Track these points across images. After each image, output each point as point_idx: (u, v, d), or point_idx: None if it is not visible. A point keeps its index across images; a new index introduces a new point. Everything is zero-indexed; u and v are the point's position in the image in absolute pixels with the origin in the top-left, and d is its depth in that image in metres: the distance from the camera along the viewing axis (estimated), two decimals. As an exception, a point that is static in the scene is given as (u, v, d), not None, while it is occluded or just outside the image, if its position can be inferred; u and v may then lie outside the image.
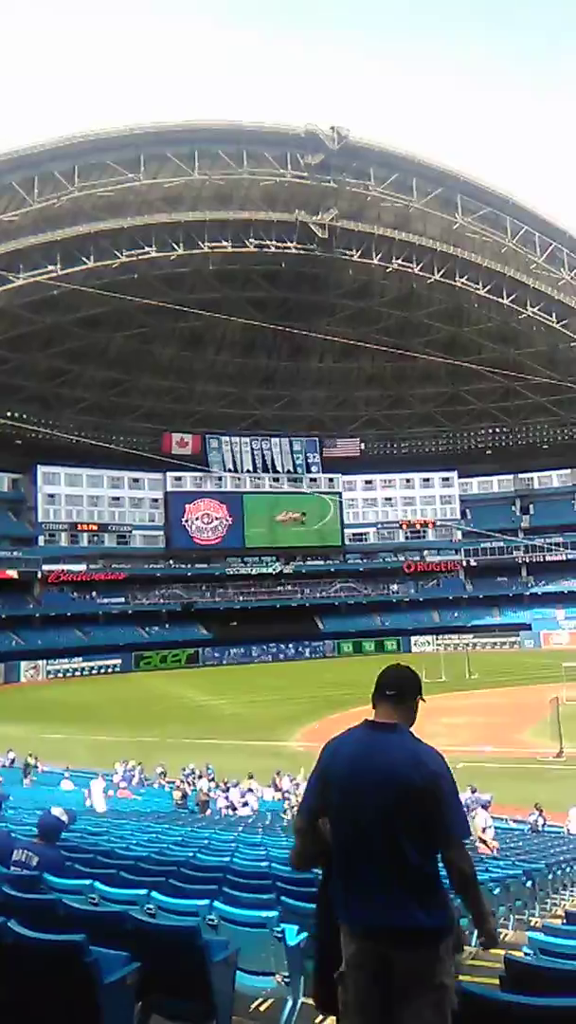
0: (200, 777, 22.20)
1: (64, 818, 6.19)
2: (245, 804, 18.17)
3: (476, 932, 3.37)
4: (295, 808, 18.63)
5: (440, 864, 2.86)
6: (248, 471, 78.05)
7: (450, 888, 2.94)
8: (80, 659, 64.94)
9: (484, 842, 13.60)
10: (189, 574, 75.99)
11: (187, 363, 72.28)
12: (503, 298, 59.11)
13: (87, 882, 5.36)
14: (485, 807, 14.89)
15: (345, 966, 2.86)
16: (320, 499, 76.56)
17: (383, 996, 2.76)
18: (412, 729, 2.98)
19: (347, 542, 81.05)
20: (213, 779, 22.19)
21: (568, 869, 12.37)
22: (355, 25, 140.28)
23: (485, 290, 58.95)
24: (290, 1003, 4.82)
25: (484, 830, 13.93)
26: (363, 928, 2.82)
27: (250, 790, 20.07)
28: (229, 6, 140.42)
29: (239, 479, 77.73)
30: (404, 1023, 2.73)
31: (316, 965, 3.27)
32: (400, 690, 3.01)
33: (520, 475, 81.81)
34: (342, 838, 2.89)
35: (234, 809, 18.68)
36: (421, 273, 58.45)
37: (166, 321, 63.88)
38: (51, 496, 71.28)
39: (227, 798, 19.33)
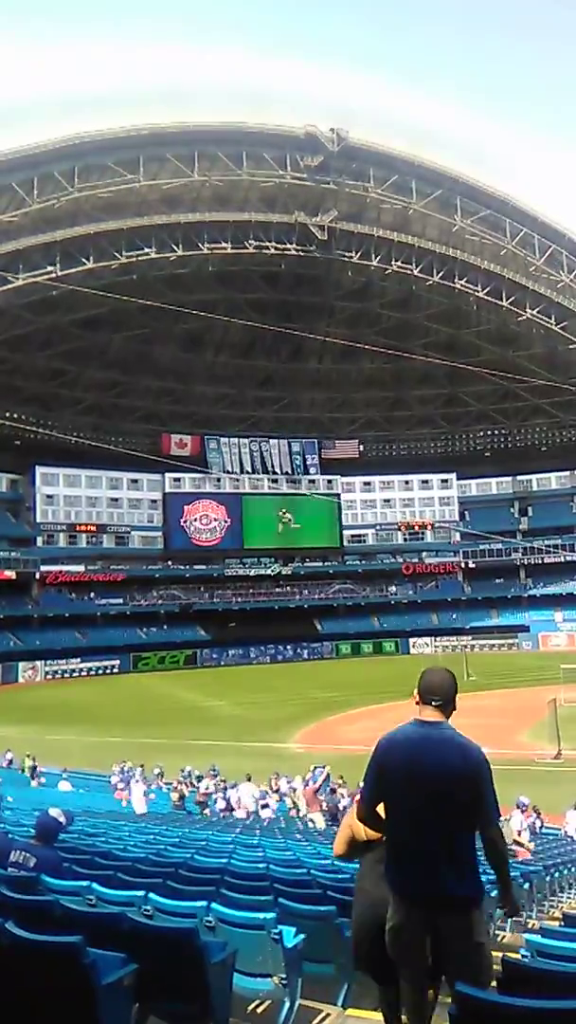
0: (202, 778, 22.12)
1: (62, 819, 6.18)
2: (265, 806, 18.11)
3: (501, 903, 3.89)
4: (294, 809, 18.66)
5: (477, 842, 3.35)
6: (247, 472, 78.05)
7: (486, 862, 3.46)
8: (78, 660, 64.91)
9: (520, 844, 13.46)
10: (187, 575, 75.96)
11: (186, 364, 72.29)
12: (502, 300, 59.15)
13: (85, 883, 5.35)
14: (522, 809, 14.77)
15: (396, 929, 3.38)
16: (318, 500, 76.54)
17: (430, 953, 3.30)
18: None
19: (346, 544, 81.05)
20: (216, 778, 22.08)
21: (565, 871, 12.37)
22: (355, 26, 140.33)
23: (484, 292, 59.00)
24: (287, 1005, 4.81)
25: (519, 832, 13.79)
26: (413, 896, 3.31)
27: (268, 792, 19.91)
28: (229, 8, 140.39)
29: (238, 480, 77.74)
30: (450, 975, 3.23)
31: (359, 942, 3.85)
32: (445, 697, 3.51)
33: (519, 477, 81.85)
34: (398, 820, 3.35)
35: (232, 810, 18.65)
36: (420, 275, 58.49)
37: (165, 322, 63.88)
38: (49, 497, 71.25)
39: (226, 799, 19.29)
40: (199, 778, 23.27)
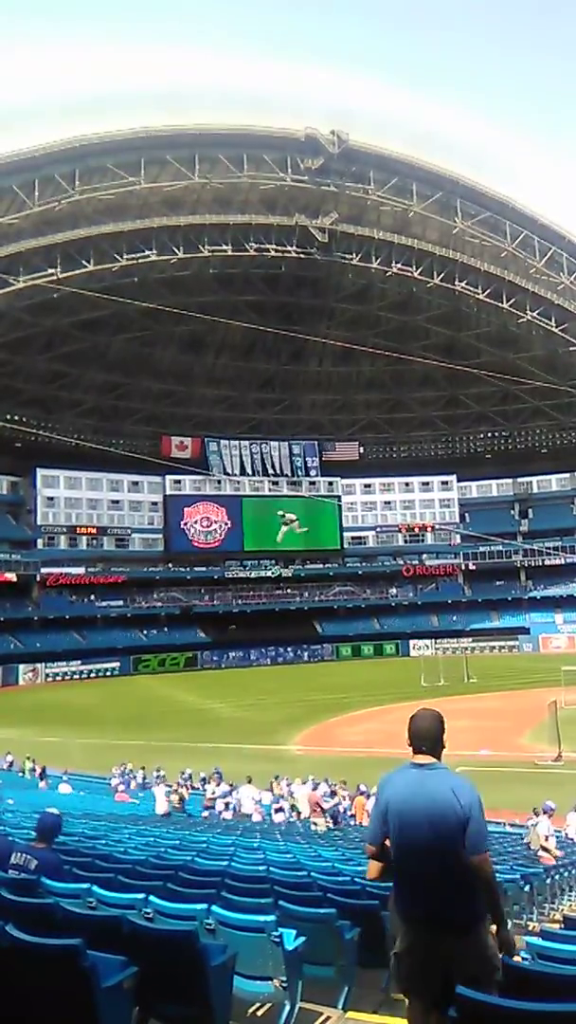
0: (207, 780, 22.00)
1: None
2: (279, 810, 18.03)
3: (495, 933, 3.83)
4: (293, 810, 18.63)
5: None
6: (247, 475, 78.07)
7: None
8: (78, 662, 64.89)
9: (547, 850, 13.34)
10: (188, 577, 75.95)
11: (187, 366, 72.35)
12: (502, 302, 59.18)
13: (85, 886, 5.34)
14: (549, 813, 14.72)
15: (401, 955, 3.69)
16: (319, 502, 76.57)
17: (436, 972, 3.53)
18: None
19: (346, 546, 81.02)
20: (222, 782, 21.97)
21: (566, 874, 12.36)
22: (355, 27, 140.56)
23: (484, 294, 59.05)
24: (288, 1007, 4.81)
25: (547, 838, 13.72)
26: (417, 919, 3.63)
27: (282, 796, 19.78)
28: (229, 10, 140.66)
29: (238, 482, 77.74)
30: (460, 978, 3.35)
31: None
32: (432, 743, 3.81)
33: (519, 479, 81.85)
34: (402, 852, 3.69)
35: (231, 811, 18.62)
36: (420, 277, 58.54)
37: (166, 324, 63.95)
38: (50, 499, 71.27)
39: (234, 808, 19.23)
40: (203, 780, 23.25)
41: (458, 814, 3.53)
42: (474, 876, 3.57)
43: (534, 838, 14.10)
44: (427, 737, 3.80)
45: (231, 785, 20.99)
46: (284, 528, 78.37)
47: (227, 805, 18.99)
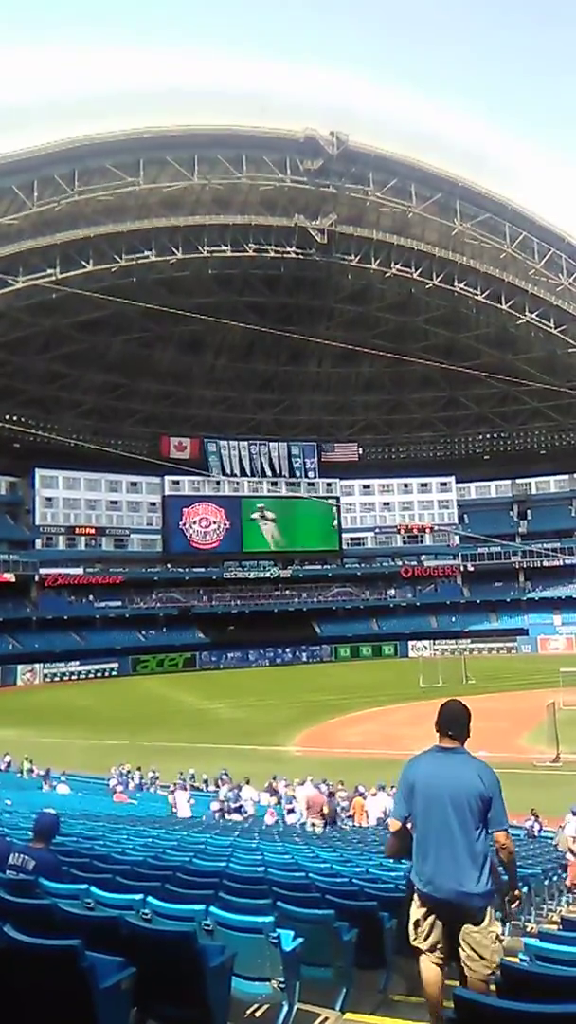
0: (221, 783, 21.86)
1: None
2: (291, 811, 17.98)
3: (507, 898, 4.54)
4: (292, 811, 18.63)
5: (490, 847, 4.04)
6: (246, 475, 78.07)
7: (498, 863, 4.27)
8: (77, 663, 64.87)
9: (574, 852, 13.26)
10: (187, 578, 75.94)
11: (186, 367, 72.35)
12: (501, 303, 59.20)
13: (83, 887, 5.33)
14: None
15: (417, 922, 4.17)
16: (317, 503, 76.56)
17: (449, 939, 4.03)
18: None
19: (345, 547, 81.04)
20: (228, 784, 21.93)
21: (564, 875, 12.35)
22: (355, 28, 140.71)
23: (483, 295, 59.07)
24: (286, 1009, 4.80)
25: (574, 839, 13.65)
26: (435, 888, 3.99)
27: (293, 797, 19.69)
28: (229, 11, 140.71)
29: (237, 483, 77.75)
30: (462, 966, 3.99)
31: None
32: (459, 729, 4.15)
33: (518, 480, 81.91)
34: (425, 830, 4.04)
35: (229, 812, 18.61)
36: (420, 278, 58.54)
37: (165, 325, 63.95)
38: (49, 499, 71.25)
39: (237, 805, 19.22)
40: (206, 781, 23.26)
41: (483, 794, 3.91)
42: (498, 850, 4.07)
43: (563, 840, 14.06)
44: (455, 722, 4.14)
45: (239, 786, 20.99)
46: (267, 526, 78.01)
47: (239, 808, 18.96)
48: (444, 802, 3.92)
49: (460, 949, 4.02)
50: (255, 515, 77.89)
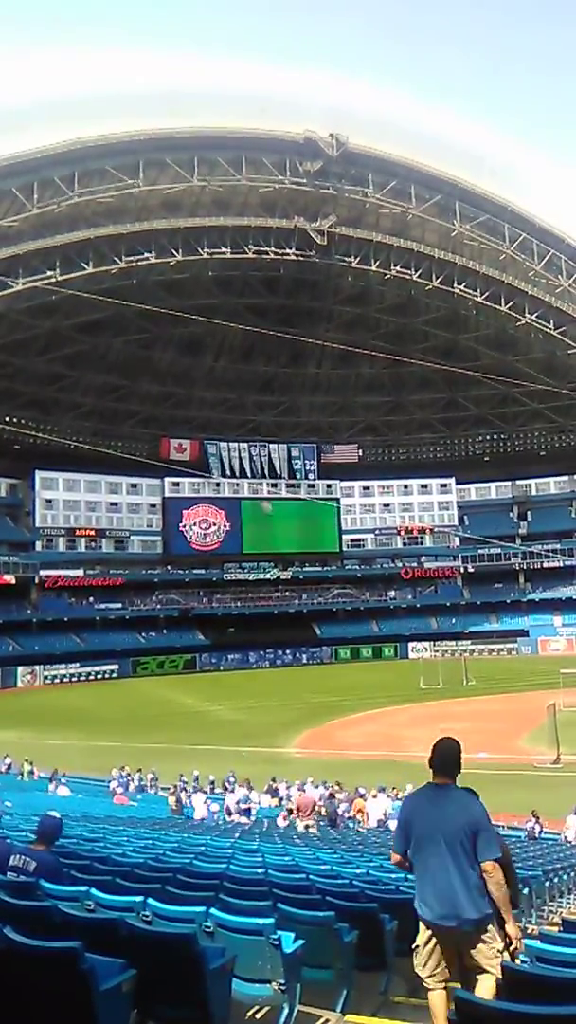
0: (234, 787, 21.70)
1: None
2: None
3: (505, 944, 4.41)
4: (292, 812, 18.62)
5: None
6: (246, 477, 78.08)
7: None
8: (77, 664, 64.83)
9: None
10: (186, 580, 75.91)
11: (186, 369, 72.36)
12: (501, 305, 59.23)
13: (83, 888, 5.33)
14: None
15: (420, 945, 4.40)
16: (318, 504, 76.54)
17: (449, 959, 4.30)
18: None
19: (345, 548, 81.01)
20: (233, 785, 21.81)
21: (565, 876, 12.34)
22: (354, 30, 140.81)
23: (483, 297, 59.10)
24: (286, 1010, 4.80)
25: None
26: (436, 916, 4.25)
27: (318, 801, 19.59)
28: (229, 13, 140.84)
29: (237, 485, 77.75)
30: (468, 974, 4.24)
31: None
32: (450, 767, 4.46)
33: (518, 481, 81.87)
34: (423, 862, 4.33)
35: (230, 813, 18.60)
36: (419, 280, 58.57)
37: (165, 327, 63.96)
38: (49, 501, 71.23)
39: (247, 807, 19.19)
40: (212, 783, 23.21)
41: (471, 828, 4.21)
42: (486, 877, 4.21)
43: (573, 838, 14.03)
44: (447, 761, 4.45)
45: (249, 788, 20.91)
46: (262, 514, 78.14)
47: (248, 811, 18.92)
48: (438, 838, 4.24)
49: (466, 963, 4.29)
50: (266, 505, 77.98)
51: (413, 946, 4.45)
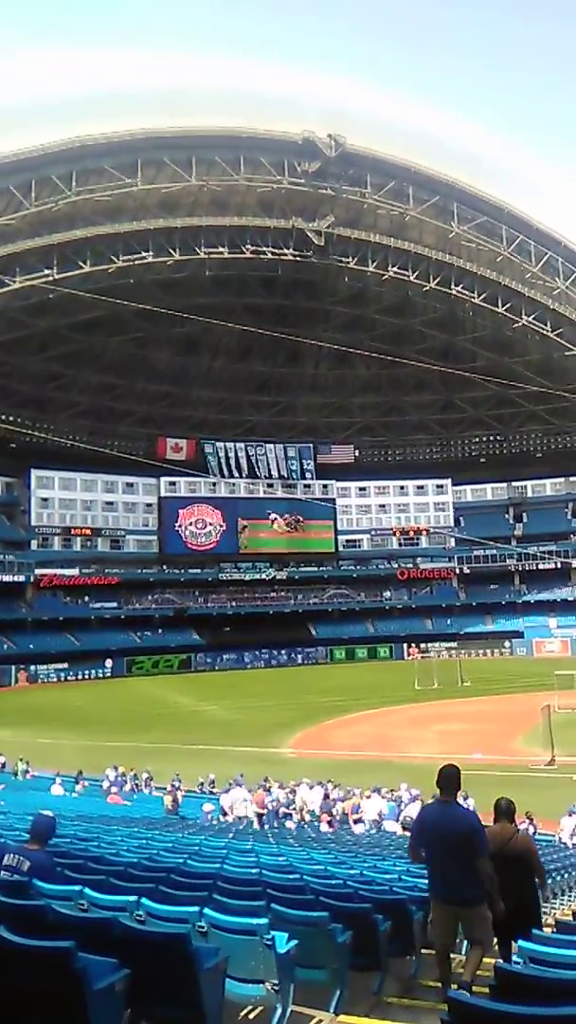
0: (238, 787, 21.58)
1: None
2: (359, 821, 17.81)
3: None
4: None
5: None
6: (243, 477, 78.05)
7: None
8: (72, 664, 64.70)
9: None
10: (182, 579, 75.85)
11: (182, 368, 72.30)
12: (498, 307, 59.31)
13: (77, 888, 5.32)
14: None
15: (432, 920, 6.06)
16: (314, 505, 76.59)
17: (453, 931, 5.85)
18: None
19: (340, 548, 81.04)
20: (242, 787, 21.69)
21: (559, 878, 12.36)
22: (353, 31, 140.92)
23: (480, 298, 59.19)
24: (279, 1010, 4.80)
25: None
26: (442, 898, 5.75)
27: (359, 807, 19.30)
28: (228, 13, 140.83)
29: (233, 485, 77.72)
30: (468, 935, 5.85)
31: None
32: (452, 788, 5.83)
33: (514, 483, 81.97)
34: (432, 856, 5.77)
35: (225, 814, 18.59)
36: (416, 281, 58.63)
37: (162, 326, 63.91)
38: (45, 500, 71.12)
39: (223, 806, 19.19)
40: (211, 783, 23.15)
41: (468, 834, 5.55)
42: (478, 872, 5.52)
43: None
44: (449, 784, 5.79)
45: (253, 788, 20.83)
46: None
47: (288, 815, 18.86)
48: (444, 842, 5.60)
49: (461, 925, 5.81)
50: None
51: (429, 919, 6.17)
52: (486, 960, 5.90)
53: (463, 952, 6.31)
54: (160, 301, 55.81)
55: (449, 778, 5.80)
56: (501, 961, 4.85)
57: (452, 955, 6.01)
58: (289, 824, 18.13)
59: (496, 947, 6.03)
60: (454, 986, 5.15)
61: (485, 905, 5.56)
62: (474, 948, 5.69)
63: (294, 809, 19.56)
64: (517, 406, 76.80)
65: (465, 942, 6.17)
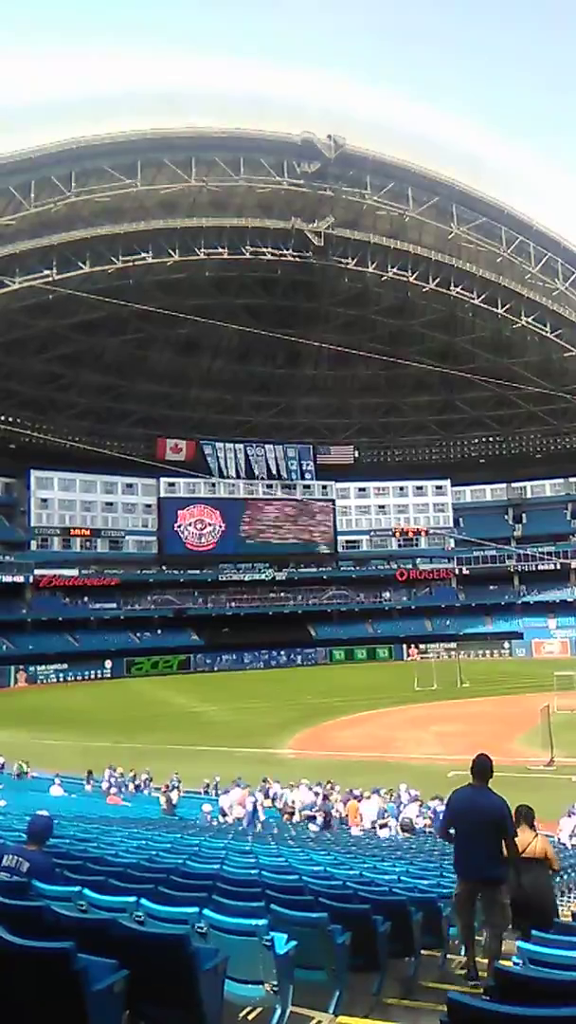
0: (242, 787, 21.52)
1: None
2: (385, 826, 17.84)
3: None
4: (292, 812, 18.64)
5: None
6: (242, 478, 78.06)
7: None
8: (71, 664, 64.68)
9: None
10: (181, 580, 75.84)
11: (182, 369, 72.31)
12: (497, 308, 59.34)
13: (76, 889, 5.30)
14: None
15: (458, 896, 6.55)
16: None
17: (474, 906, 6.41)
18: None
19: (340, 549, 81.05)
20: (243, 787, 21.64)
21: (558, 879, 12.33)
22: (353, 32, 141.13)
23: (480, 299, 59.21)
24: (279, 1012, 4.79)
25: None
26: (468, 876, 6.34)
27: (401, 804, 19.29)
28: (227, 14, 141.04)
29: (233, 485, 77.72)
30: (486, 919, 6.39)
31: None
32: (485, 775, 6.43)
33: (513, 484, 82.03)
34: (462, 836, 6.36)
35: (224, 815, 18.58)
36: (416, 282, 58.65)
37: (162, 327, 63.92)
38: (44, 500, 71.10)
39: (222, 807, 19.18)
40: (216, 786, 23.13)
41: (497, 818, 6.17)
42: (507, 851, 6.19)
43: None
44: (483, 771, 6.42)
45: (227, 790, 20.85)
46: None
47: (313, 818, 18.80)
48: (475, 823, 6.21)
49: (479, 902, 6.36)
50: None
51: (454, 893, 6.67)
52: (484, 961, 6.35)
53: (483, 942, 6.67)
54: (160, 302, 55.82)
55: (482, 766, 6.48)
56: (501, 962, 4.89)
57: (477, 937, 6.63)
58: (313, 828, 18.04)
59: (512, 931, 6.49)
60: (482, 975, 5.89)
61: (503, 889, 6.23)
62: (492, 934, 6.23)
63: (284, 807, 19.56)
64: (516, 407, 76.83)
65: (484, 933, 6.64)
